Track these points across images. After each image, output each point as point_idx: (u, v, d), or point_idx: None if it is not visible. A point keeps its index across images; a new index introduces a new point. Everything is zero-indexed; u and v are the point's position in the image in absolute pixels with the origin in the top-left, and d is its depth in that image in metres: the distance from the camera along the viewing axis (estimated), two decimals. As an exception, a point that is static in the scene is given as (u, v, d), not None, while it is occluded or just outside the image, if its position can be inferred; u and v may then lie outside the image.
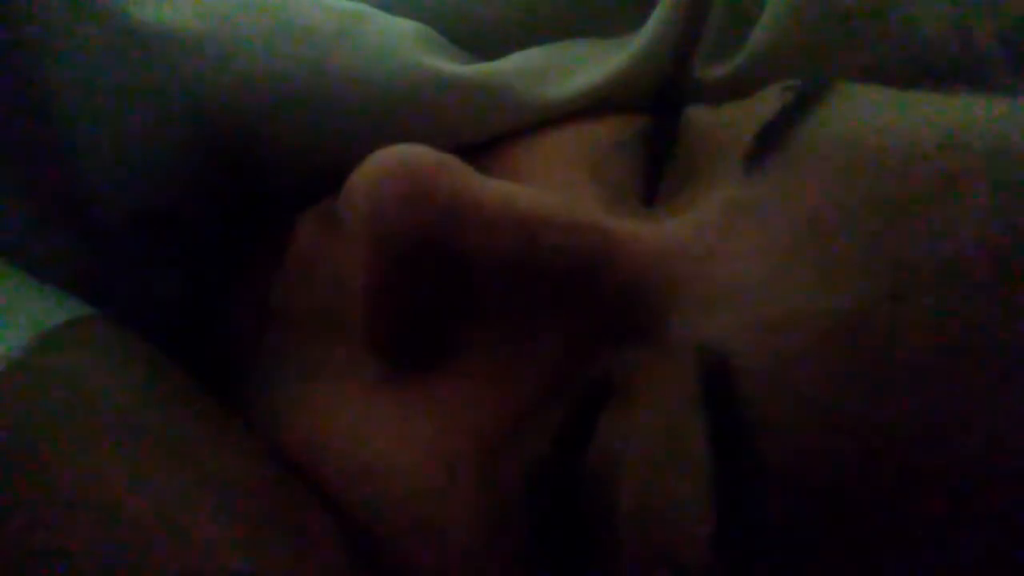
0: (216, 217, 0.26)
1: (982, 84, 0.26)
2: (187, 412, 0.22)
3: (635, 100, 0.27)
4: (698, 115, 0.24)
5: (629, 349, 0.21)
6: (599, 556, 0.20)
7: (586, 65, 0.27)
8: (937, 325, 0.18)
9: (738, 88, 0.27)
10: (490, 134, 0.26)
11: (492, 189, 0.21)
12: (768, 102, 0.23)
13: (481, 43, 0.29)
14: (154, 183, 0.25)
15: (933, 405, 0.18)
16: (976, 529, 0.18)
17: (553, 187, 0.24)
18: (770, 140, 0.22)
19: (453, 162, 0.22)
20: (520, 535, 0.21)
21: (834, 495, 0.18)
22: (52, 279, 0.23)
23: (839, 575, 0.19)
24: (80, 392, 0.21)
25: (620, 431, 0.20)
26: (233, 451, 0.22)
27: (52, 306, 0.22)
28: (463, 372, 0.22)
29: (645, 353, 0.21)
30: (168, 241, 0.26)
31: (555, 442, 0.21)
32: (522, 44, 0.28)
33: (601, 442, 0.20)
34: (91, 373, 0.21)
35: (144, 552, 0.19)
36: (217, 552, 0.19)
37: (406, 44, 0.26)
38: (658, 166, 0.24)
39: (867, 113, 0.22)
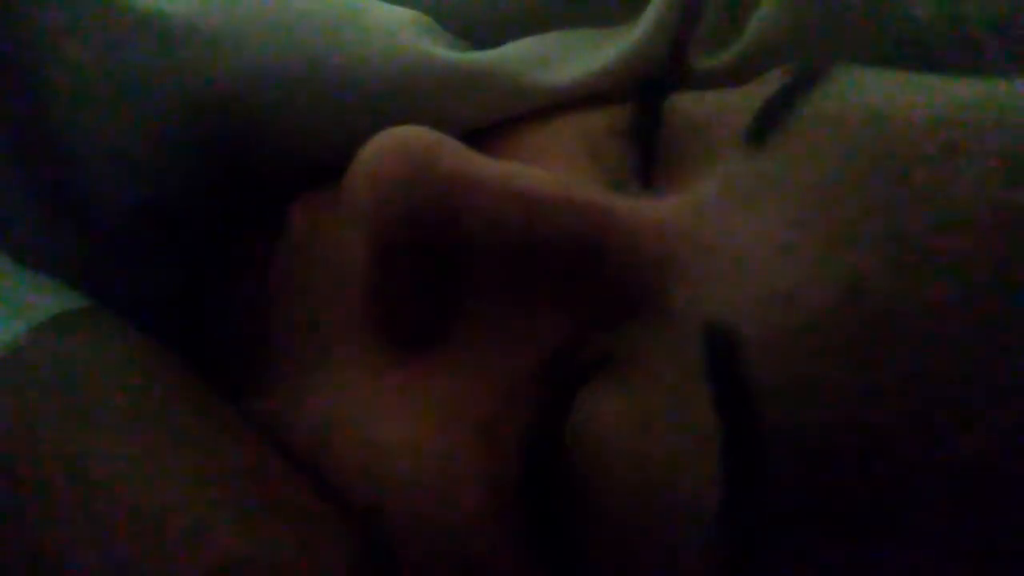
0: (215, 211, 0.26)
1: (976, 71, 0.27)
2: (187, 403, 0.22)
3: (633, 88, 0.27)
4: (692, 98, 0.25)
5: (631, 325, 0.21)
6: (598, 530, 0.20)
7: (584, 53, 0.27)
8: (937, 297, 0.18)
9: (736, 77, 0.27)
10: (489, 121, 0.26)
11: (492, 168, 0.22)
12: (768, 83, 0.23)
13: (479, 32, 0.29)
14: (152, 177, 0.25)
15: (932, 377, 0.18)
16: (975, 511, 0.18)
17: (552, 169, 0.24)
18: (771, 117, 0.22)
19: (452, 142, 0.22)
20: (522, 512, 0.21)
21: (837, 468, 0.18)
22: (51, 273, 0.23)
23: (842, 553, 0.19)
24: (78, 383, 0.20)
25: (616, 401, 0.20)
26: (234, 443, 0.22)
27: (49, 297, 0.22)
28: (465, 352, 0.22)
29: (648, 328, 0.21)
30: (167, 235, 0.26)
31: (548, 414, 0.21)
32: (519, 33, 0.28)
33: (594, 413, 0.20)
34: (89, 363, 0.21)
35: (144, 544, 0.19)
36: (217, 547, 0.19)
37: (405, 33, 0.26)
38: (655, 150, 0.24)
39: (866, 91, 0.22)
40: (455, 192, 0.21)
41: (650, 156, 0.24)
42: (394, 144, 0.21)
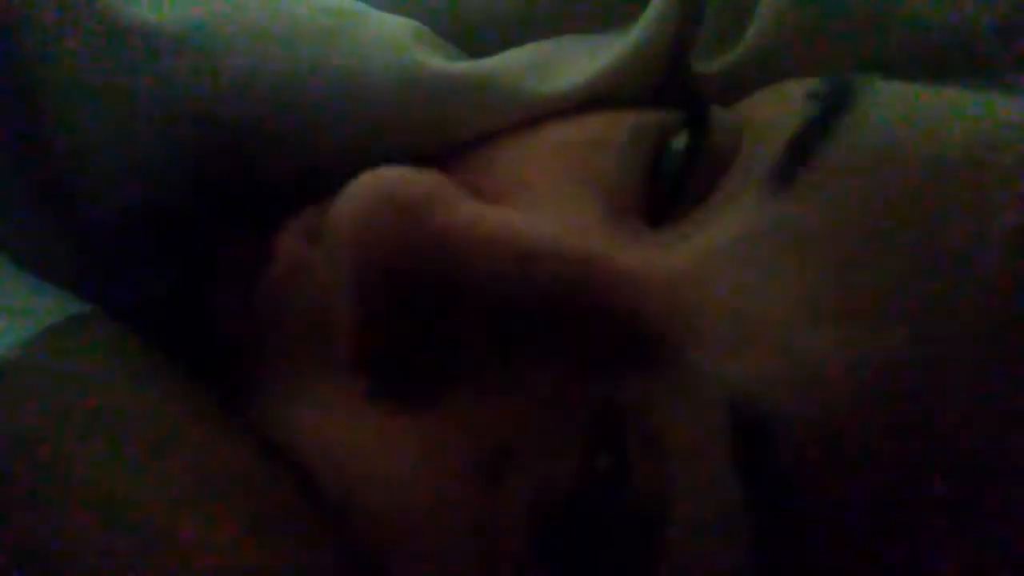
0: (210, 216, 0.26)
1: (983, 78, 0.26)
2: (185, 410, 0.22)
3: (631, 96, 0.27)
4: (719, 118, 0.24)
5: (637, 381, 0.20)
6: None
7: (581, 60, 0.27)
8: (969, 370, 0.18)
9: (735, 83, 0.27)
10: (485, 131, 0.26)
11: (482, 219, 0.21)
12: (791, 108, 0.22)
13: (475, 40, 0.29)
14: (148, 182, 0.25)
15: (973, 452, 0.18)
16: None
17: (548, 201, 0.23)
18: (798, 155, 0.21)
19: (441, 189, 0.21)
20: (521, 563, 0.20)
21: (881, 549, 0.18)
22: (48, 276, 0.23)
23: None
24: (79, 389, 0.21)
25: (654, 474, 0.20)
26: (232, 450, 0.22)
27: (50, 303, 0.22)
28: (460, 400, 0.22)
29: (662, 387, 0.20)
30: (164, 238, 0.26)
31: (547, 465, 0.20)
32: (515, 41, 0.28)
33: (639, 483, 0.20)
34: (90, 370, 0.21)
35: (142, 550, 0.19)
36: (215, 551, 0.19)
37: (401, 42, 0.26)
38: (660, 174, 0.24)
39: (896, 122, 0.21)
40: (444, 246, 0.20)
41: (659, 181, 0.23)
42: (379, 192, 0.21)
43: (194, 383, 0.23)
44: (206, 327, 0.25)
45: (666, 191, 0.23)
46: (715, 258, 0.20)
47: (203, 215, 0.26)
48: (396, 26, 0.27)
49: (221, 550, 0.19)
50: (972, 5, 0.27)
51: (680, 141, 0.24)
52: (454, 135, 0.25)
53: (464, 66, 0.26)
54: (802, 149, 0.21)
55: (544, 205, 0.23)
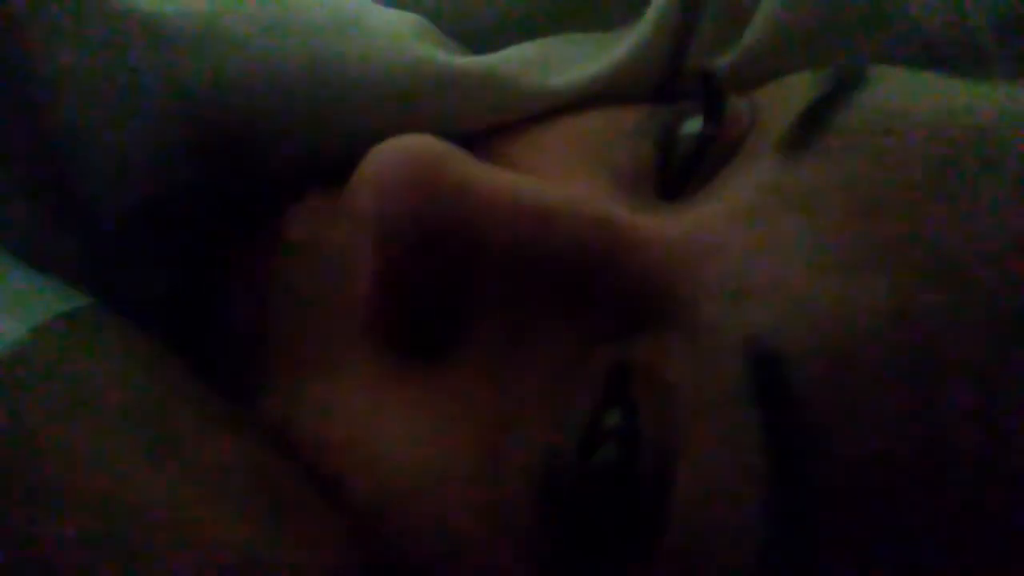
0: (215, 211, 0.26)
1: (979, 73, 0.27)
2: (188, 403, 0.22)
3: (633, 92, 0.27)
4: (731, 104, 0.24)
5: (649, 338, 0.21)
6: (628, 551, 0.20)
7: (585, 57, 0.27)
8: (976, 319, 0.19)
9: (737, 81, 0.27)
10: (491, 125, 0.26)
11: (498, 180, 0.21)
12: (802, 88, 0.23)
13: (478, 38, 0.29)
14: (152, 178, 0.25)
15: (992, 400, 0.18)
16: None
17: (557, 178, 0.24)
18: (809, 125, 0.22)
19: (458, 152, 0.22)
20: (528, 527, 0.21)
21: (895, 493, 0.18)
22: (51, 273, 0.23)
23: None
24: (80, 382, 0.20)
25: (664, 430, 0.20)
26: (236, 443, 0.21)
27: (52, 296, 0.22)
28: (469, 363, 0.22)
29: (675, 342, 0.20)
30: (167, 235, 0.26)
31: (575, 438, 0.20)
32: (515, 40, 0.29)
33: (648, 440, 0.20)
34: (91, 363, 0.21)
35: (143, 544, 0.19)
36: (218, 544, 0.19)
37: (406, 37, 0.26)
38: (668, 157, 0.24)
39: (905, 98, 0.22)
40: (462, 202, 0.21)
41: (667, 161, 0.24)
42: (400, 153, 0.21)
43: (198, 377, 0.23)
44: (207, 325, 0.25)
45: (677, 172, 0.23)
46: (726, 217, 0.21)
47: (203, 214, 0.26)
48: (401, 21, 0.27)
49: (223, 543, 0.19)
50: (970, 5, 0.28)
51: (691, 126, 0.24)
52: (457, 128, 0.25)
53: (468, 60, 0.26)
54: (814, 118, 0.22)
55: (553, 178, 0.23)
